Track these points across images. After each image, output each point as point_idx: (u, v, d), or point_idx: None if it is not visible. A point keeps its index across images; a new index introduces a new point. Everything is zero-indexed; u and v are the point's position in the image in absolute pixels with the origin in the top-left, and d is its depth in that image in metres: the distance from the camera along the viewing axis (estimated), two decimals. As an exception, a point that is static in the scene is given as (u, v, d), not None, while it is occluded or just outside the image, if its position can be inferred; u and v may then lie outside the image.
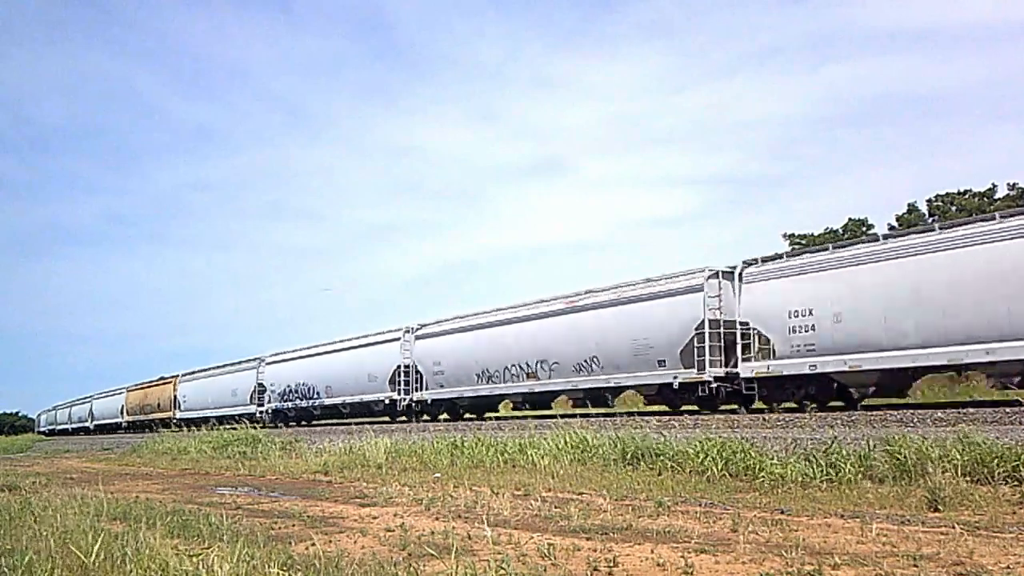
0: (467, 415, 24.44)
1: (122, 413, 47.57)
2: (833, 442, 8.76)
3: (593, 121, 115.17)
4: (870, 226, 39.97)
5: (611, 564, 4.86)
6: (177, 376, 42.70)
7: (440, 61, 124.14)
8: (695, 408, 16.93)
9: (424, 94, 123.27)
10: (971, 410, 11.52)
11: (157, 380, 45.59)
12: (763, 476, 8.32)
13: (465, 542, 5.79)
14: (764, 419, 13.12)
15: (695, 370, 16.42)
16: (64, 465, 21.94)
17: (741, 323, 15.97)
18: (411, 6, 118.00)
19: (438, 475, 11.11)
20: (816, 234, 40.78)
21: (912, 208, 39.34)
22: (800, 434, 10.55)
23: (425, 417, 25.43)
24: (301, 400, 30.86)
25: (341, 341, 29.49)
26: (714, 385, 16.29)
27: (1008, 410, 10.95)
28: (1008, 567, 4.41)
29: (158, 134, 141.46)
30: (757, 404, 16.64)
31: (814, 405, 15.11)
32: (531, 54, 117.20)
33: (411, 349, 25.38)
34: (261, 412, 32.79)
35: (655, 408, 18.02)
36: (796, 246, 40.28)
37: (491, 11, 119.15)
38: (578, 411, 19.54)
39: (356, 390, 27.43)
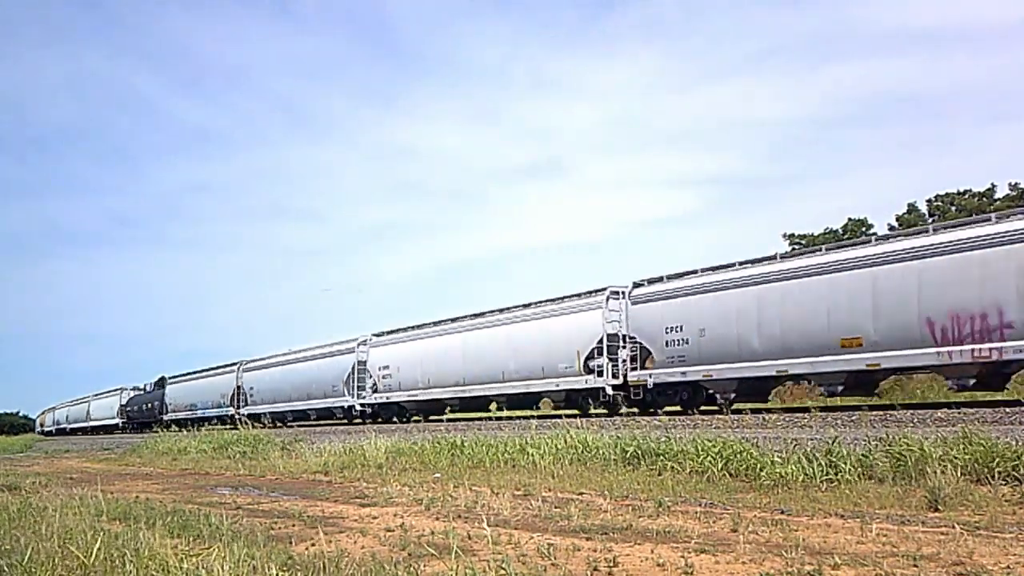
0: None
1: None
2: (833, 442, 8.75)
3: (593, 121, 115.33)
4: (870, 226, 39.95)
5: (611, 564, 4.86)
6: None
7: (440, 61, 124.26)
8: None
9: (424, 94, 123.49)
10: (971, 410, 11.53)
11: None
12: (763, 476, 8.32)
13: (465, 542, 5.78)
14: (764, 419, 13.12)
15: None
16: (64, 465, 21.92)
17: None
18: (411, 6, 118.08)
19: (438, 475, 11.10)
20: (816, 234, 40.74)
21: (912, 208, 39.31)
22: (800, 434, 10.55)
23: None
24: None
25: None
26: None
27: (1008, 410, 10.97)
28: (1008, 567, 4.41)
29: (158, 134, 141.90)
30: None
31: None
32: (531, 54, 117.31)
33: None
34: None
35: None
36: (796, 246, 40.33)
37: (491, 11, 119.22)
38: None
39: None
